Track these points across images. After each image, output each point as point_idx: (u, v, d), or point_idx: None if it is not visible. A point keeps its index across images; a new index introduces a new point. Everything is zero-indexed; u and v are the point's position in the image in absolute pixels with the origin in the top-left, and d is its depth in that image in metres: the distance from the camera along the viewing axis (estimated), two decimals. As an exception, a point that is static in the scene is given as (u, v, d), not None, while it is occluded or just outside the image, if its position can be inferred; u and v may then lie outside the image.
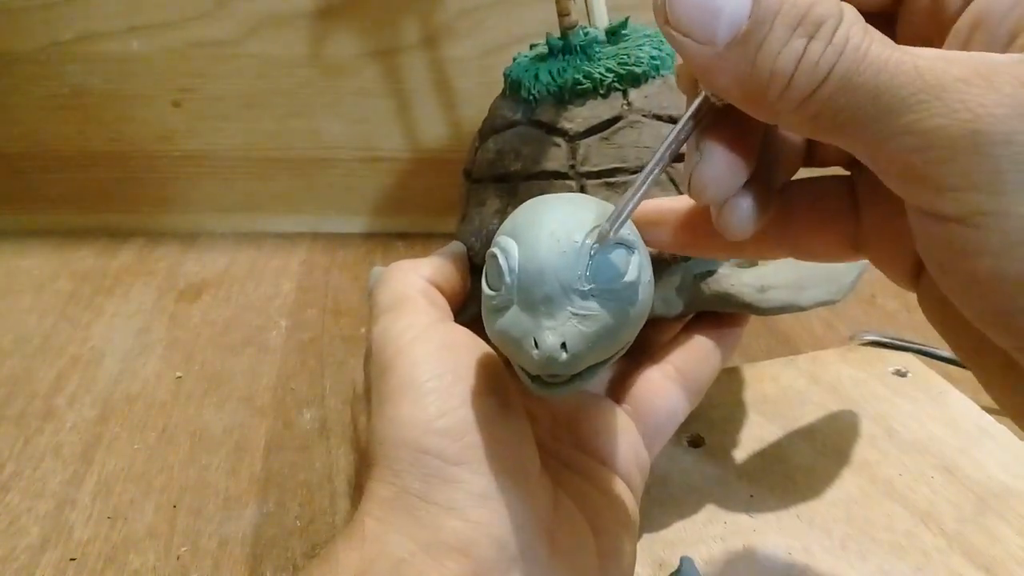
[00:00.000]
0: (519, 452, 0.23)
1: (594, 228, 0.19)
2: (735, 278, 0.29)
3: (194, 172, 0.55)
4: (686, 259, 0.28)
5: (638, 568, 0.30)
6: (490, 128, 0.32)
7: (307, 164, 0.54)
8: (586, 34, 0.31)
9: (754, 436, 0.36)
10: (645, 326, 0.22)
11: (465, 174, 0.33)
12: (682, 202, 0.22)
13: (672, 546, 0.31)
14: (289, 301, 0.49)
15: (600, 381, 0.30)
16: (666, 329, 0.32)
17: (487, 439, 0.22)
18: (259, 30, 0.49)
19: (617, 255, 0.20)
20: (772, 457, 0.35)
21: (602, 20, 0.33)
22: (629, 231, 0.20)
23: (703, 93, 0.19)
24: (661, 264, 0.28)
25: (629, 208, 0.19)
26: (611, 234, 0.19)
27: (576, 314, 0.19)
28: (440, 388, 0.22)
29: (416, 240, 0.55)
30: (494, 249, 0.20)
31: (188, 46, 0.50)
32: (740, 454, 0.35)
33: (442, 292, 0.27)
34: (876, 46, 0.15)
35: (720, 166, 0.19)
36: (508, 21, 0.49)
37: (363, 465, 0.23)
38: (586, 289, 0.19)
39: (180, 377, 0.42)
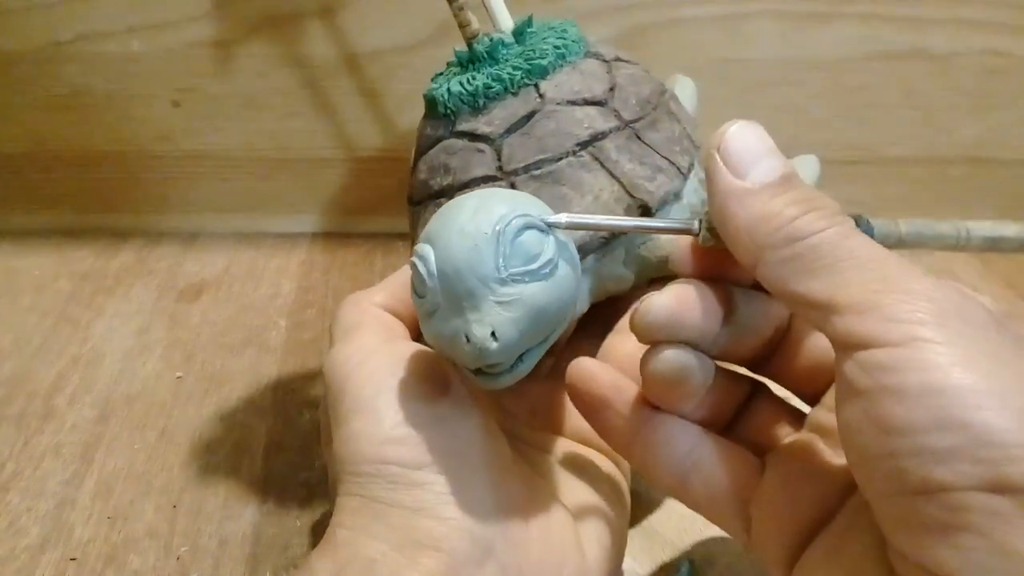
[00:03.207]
0: (482, 447, 0.23)
1: (502, 217, 0.20)
2: (673, 238, 0.29)
3: (194, 172, 0.55)
4: (623, 232, 0.28)
5: (638, 568, 0.30)
6: (419, 150, 0.32)
7: (307, 164, 0.54)
8: (491, 40, 0.32)
9: (754, 436, 0.36)
10: (606, 304, 0.22)
11: (408, 200, 0.33)
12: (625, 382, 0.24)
13: (672, 546, 0.31)
14: (289, 301, 0.49)
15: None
16: (629, 304, 0.32)
17: (446, 439, 0.22)
18: (259, 30, 0.49)
19: (529, 237, 0.20)
20: (772, 457, 0.34)
21: (506, 23, 0.33)
22: (542, 215, 0.21)
23: (699, 218, 0.21)
24: (601, 242, 0.28)
25: (570, 220, 0.21)
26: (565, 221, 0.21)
27: (499, 302, 0.20)
28: (391, 401, 0.22)
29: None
30: (413, 258, 0.21)
31: (188, 46, 0.50)
32: (740, 454, 0.35)
33: (399, 315, 0.27)
34: (865, 237, 0.19)
35: (684, 300, 0.21)
36: (508, 21, 0.49)
37: (331, 487, 0.24)
38: (504, 276, 0.20)
39: (180, 377, 0.42)
